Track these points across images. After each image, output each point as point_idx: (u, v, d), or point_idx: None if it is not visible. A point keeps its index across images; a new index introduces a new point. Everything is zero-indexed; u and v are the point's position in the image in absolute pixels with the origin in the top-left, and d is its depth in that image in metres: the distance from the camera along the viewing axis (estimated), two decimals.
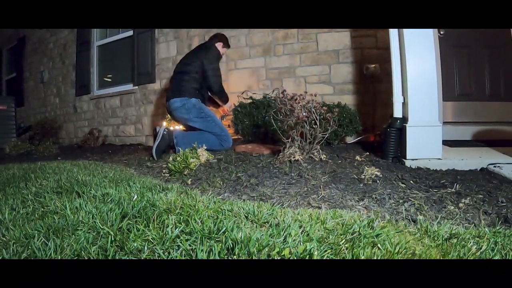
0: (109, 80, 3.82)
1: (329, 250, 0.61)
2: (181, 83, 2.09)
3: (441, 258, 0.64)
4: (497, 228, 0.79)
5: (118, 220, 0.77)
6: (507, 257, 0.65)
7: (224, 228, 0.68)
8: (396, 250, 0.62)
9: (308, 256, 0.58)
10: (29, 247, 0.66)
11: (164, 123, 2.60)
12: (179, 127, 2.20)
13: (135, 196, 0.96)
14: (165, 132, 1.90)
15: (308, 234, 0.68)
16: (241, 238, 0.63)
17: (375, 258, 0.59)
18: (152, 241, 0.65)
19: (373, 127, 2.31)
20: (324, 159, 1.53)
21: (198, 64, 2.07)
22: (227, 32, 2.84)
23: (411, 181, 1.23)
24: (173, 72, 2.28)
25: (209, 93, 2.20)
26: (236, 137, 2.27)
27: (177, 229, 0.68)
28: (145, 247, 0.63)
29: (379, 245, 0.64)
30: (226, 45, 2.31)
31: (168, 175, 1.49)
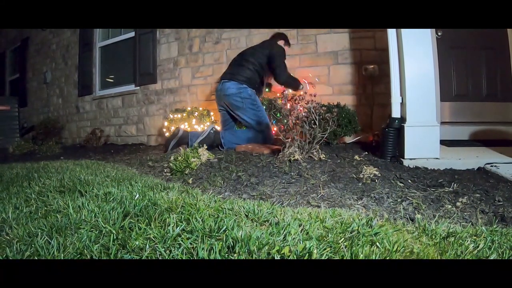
0: (111, 80, 3.85)
1: (328, 249, 0.61)
2: (243, 68, 2.05)
3: (439, 256, 0.64)
4: (494, 226, 0.80)
5: (120, 218, 0.78)
6: (504, 255, 0.65)
7: (224, 227, 0.69)
8: (394, 249, 0.63)
9: (307, 254, 0.58)
10: (33, 245, 0.66)
11: (166, 123, 2.62)
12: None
13: (137, 195, 0.97)
14: (212, 131, 1.92)
15: (307, 233, 0.68)
16: (241, 236, 0.63)
17: (373, 256, 0.59)
18: (153, 239, 0.66)
19: (371, 127, 2.32)
20: (323, 158, 1.54)
21: (263, 54, 2.06)
22: (227, 32, 2.86)
23: (409, 180, 1.24)
24: (236, 56, 2.24)
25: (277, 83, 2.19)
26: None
27: (178, 228, 0.69)
28: (147, 246, 0.63)
29: (377, 243, 0.64)
30: (287, 43, 2.31)
31: (169, 174, 1.50)
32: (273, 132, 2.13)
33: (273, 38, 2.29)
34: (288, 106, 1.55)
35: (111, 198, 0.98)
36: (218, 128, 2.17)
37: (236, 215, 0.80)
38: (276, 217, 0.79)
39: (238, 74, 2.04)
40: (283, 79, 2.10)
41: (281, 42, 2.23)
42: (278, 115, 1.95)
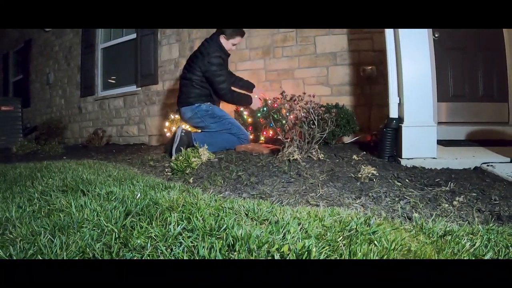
0: (113, 81, 3.87)
1: (327, 247, 0.62)
2: (188, 89, 1.99)
3: (436, 254, 0.65)
4: (490, 225, 0.80)
5: (122, 217, 0.79)
6: (500, 253, 0.66)
7: (225, 226, 0.70)
8: (392, 247, 0.63)
9: (306, 252, 0.59)
10: (36, 244, 0.67)
11: (167, 123, 2.63)
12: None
13: (139, 195, 0.98)
14: (182, 134, 1.86)
15: (306, 231, 0.69)
16: (241, 235, 0.64)
17: (371, 254, 0.60)
18: (155, 238, 0.67)
19: (369, 127, 2.33)
20: (322, 158, 1.55)
21: (197, 69, 1.92)
22: None
23: (407, 180, 1.25)
24: (182, 72, 2.12)
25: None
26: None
27: (179, 227, 0.70)
28: (148, 244, 0.64)
29: (375, 242, 0.65)
30: (233, 35, 1.96)
31: (170, 174, 1.52)
32: (270, 134, 2.14)
33: (211, 35, 1.98)
34: (288, 106, 1.56)
35: (113, 197, 0.99)
36: (187, 128, 2.10)
37: (236, 214, 0.81)
38: (276, 216, 0.80)
39: (186, 97, 1.99)
40: (222, 95, 1.95)
41: (221, 38, 1.95)
42: (276, 116, 1.96)
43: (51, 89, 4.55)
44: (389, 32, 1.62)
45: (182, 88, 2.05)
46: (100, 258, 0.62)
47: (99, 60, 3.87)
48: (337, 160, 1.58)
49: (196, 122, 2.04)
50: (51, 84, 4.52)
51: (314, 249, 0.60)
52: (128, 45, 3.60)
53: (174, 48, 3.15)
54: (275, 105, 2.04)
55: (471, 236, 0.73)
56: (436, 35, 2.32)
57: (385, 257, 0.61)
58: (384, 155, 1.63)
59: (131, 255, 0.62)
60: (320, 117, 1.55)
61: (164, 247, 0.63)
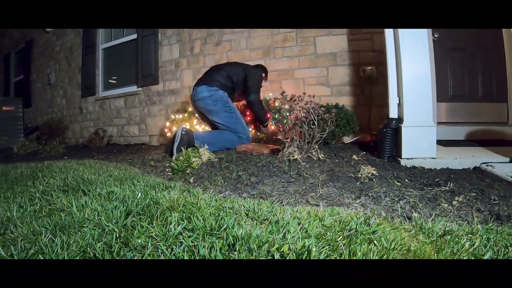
0: (114, 81, 3.88)
1: (327, 247, 0.62)
2: (216, 73, 2.02)
3: (435, 254, 0.65)
4: (490, 225, 0.81)
5: (122, 217, 0.79)
6: (499, 253, 0.66)
7: (225, 225, 0.70)
8: (392, 247, 0.64)
9: (306, 252, 0.59)
10: (37, 243, 0.67)
11: (167, 123, 2.64)
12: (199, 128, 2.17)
13: (139, 194, 0.99)
14: (183, 133, 1.84)
15: (306, 231, 0.70)
16: (241, 234, 0.64)
17: (371, 254, 0.60)
18: (155, 237, 0.67)
19: (369, 127, 2.34)
20: (322, 158, 1.55)
21: (238, 72, 2.05)
22: (228, 34, 2.89)
23: (406, 180, 1.25)
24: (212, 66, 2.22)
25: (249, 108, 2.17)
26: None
27: (179, 226, 0.70)
28: (149, 244, 0.64)
29: (375, 241, 0.65)
30: (266, 77, 2.30)
31: (171, 173, 1.52)
32: (272, 129, 2.14)
33: (255, 66, 2.26)
34: (287, 106, 1.57)
35: (114, 197, 0.99)
36: (188, 127, 2.10)
37: (237, 214, 0.81)
38: (276, 215, 0.80)
39: (209, 79, 2.01)
40: (253, 100, 2.05)
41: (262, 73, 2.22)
42: (277, 116, 1.97)
43: (52, 89, 4.56)
44: (389, 32, 1.63)
45: (211, 71, 2.09)
46: (101, 258, 0.62)
47: (100, 61, 3.89)
48: (337, 160, 1.58)
49: (207, 103, 1.99)
50: (52, 84, 4.53)
51: (314, 249, 0.60)
52: (128, 46, 3.62)
53: (175, 48, 3.16)
54: (271, 104, 2.06)
55: (471, 235, 0.73)
56: (436, 35, 2.32)
57: (384, 257, 0.61)
58: (384, 155, 1.63)
59: (132, 254, 0.62)
60: (320, 117, 1.55)
61: (165, 247, 0.63)
